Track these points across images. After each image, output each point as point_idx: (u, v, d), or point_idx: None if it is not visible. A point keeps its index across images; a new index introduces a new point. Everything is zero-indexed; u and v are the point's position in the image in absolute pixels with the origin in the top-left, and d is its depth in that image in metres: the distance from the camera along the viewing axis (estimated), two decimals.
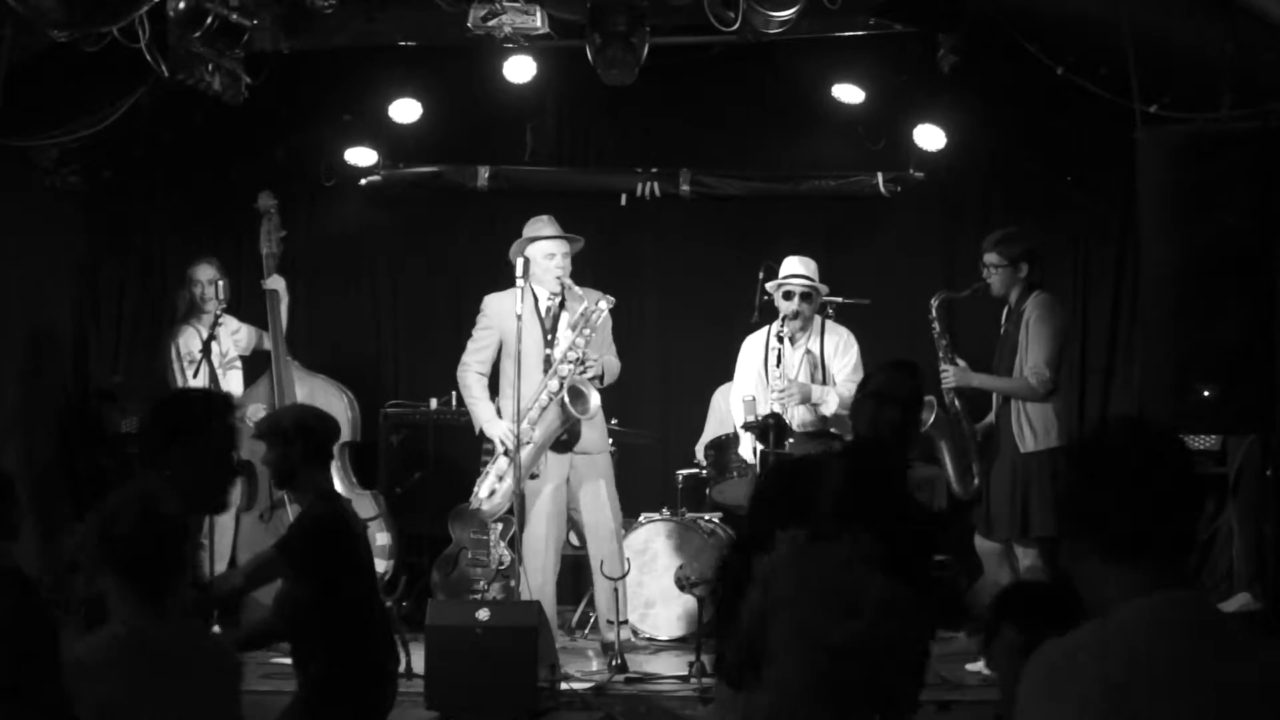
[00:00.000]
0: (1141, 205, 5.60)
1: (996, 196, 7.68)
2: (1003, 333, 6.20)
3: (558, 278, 6.45)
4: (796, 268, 6.64)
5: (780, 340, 6.48)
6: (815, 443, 6.50)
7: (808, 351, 6.63)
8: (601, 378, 6.49)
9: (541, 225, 6.54)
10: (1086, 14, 5.89)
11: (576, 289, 6.50)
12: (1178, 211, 5.35)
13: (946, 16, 6.28)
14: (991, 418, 6.15)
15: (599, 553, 6.50)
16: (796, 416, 6.45)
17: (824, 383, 6.60)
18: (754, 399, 6.39)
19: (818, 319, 6.69)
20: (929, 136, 7.21)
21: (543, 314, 6.52)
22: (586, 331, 6.44)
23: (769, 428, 6.14)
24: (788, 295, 6.57)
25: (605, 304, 6.50)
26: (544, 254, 6.48)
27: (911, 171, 7.58)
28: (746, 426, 6.32)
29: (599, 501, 6.51)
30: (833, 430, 6.61)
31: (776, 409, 6.30)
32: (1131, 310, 7.29)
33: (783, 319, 6.52)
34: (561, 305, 6.54)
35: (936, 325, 6.36)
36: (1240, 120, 5.47)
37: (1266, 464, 5.91)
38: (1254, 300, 5.22)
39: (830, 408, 6.54)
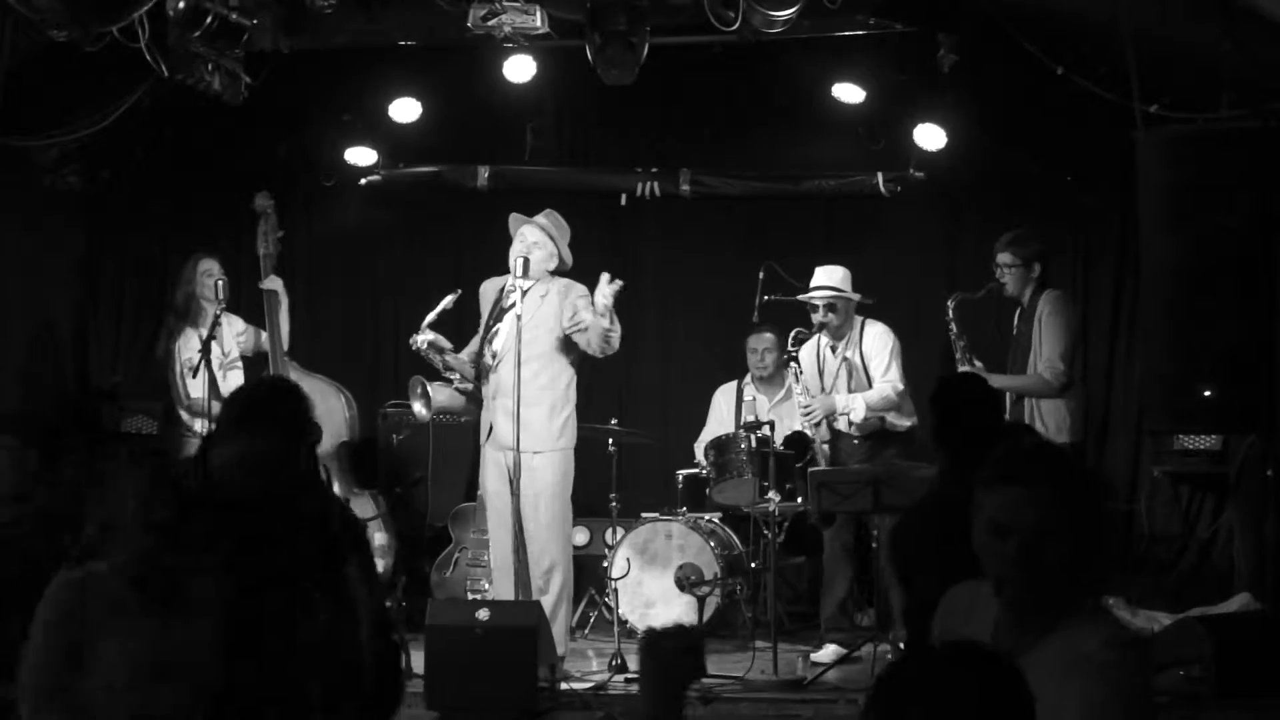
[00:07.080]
0: (1141, 205, 5.60)
1: (996, 196, 7.66)
2: (1015, 332, 6.19)
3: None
4: (819, 279, 6.61)
5: (792, 359, 6.51)
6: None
7: (845, 359, 6.60)
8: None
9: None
10: (1086, 14, 5.90)
11: (549, 276, 6.07)
12: (1178, 211, 5.35)
13: (946, 16, 6.29)
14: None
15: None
16: (829, 426, 6.48)
17: (869, 388, 6.52)
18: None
19: (857, 322, 6.63)
20: (929, 136, 7.19)
21: (503, 300, 6.11)
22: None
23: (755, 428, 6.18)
24: (812, 308, 6.58)
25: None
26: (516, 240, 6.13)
27: (911, 171, 7.56)
28: (747, 426, 6.31)
29: (537, 510, 5.98)
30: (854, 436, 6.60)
31: (807, 429, 6.33)
32: (1131, 310, 7.28)
33: (800, 334, 6.56)
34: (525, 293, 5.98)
35: (954, 326, 6.33)
36: (1240, 120, 5.47)
37: (1266, 464, 5.91)
38: (1254, 300, 5.22)
39: (858, 414, 6.48)
